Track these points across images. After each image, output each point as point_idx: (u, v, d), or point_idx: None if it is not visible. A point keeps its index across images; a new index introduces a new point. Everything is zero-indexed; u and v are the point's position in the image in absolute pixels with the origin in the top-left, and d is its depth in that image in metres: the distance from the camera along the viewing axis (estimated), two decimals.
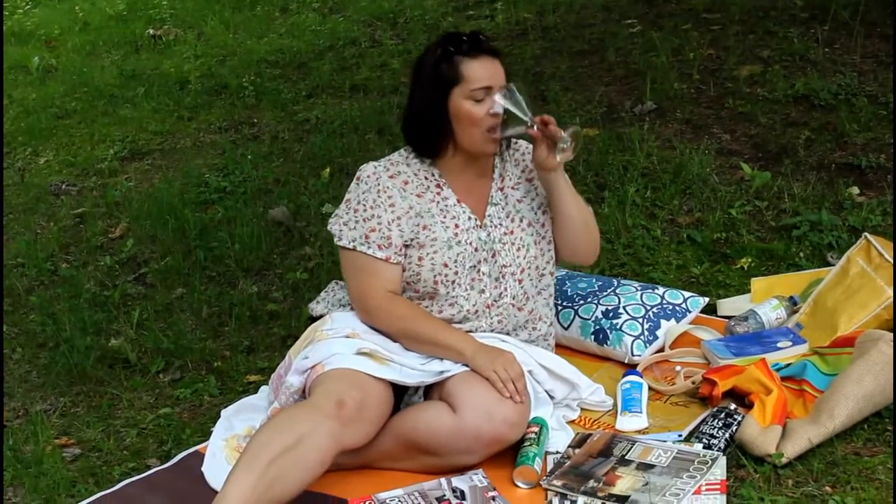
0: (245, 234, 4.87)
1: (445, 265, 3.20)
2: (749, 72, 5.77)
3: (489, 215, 3.29)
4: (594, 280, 3.84)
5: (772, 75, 5.67)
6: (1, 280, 4.73)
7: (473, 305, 3.24)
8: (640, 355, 3.57)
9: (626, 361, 3.58)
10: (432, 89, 3.17)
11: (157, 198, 5.41)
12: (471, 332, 3.25)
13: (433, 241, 3.20)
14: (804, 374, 3.27)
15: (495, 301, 3.27)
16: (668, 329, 3.65)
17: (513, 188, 3.35)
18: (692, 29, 6.50)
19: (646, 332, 3.60)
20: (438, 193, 3.26)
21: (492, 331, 3.28)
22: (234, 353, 4.03)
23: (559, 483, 2.94)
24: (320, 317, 3.37)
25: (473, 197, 3.30)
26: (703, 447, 3.00)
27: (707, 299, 3.81)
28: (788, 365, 3.36)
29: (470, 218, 3.26)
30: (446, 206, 3.25)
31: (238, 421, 3.37)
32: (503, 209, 3.32)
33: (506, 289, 3.27)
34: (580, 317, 3.67)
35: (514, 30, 7.24)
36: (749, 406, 3.13)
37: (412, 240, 3.21)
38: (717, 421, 3.09)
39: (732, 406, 3.14)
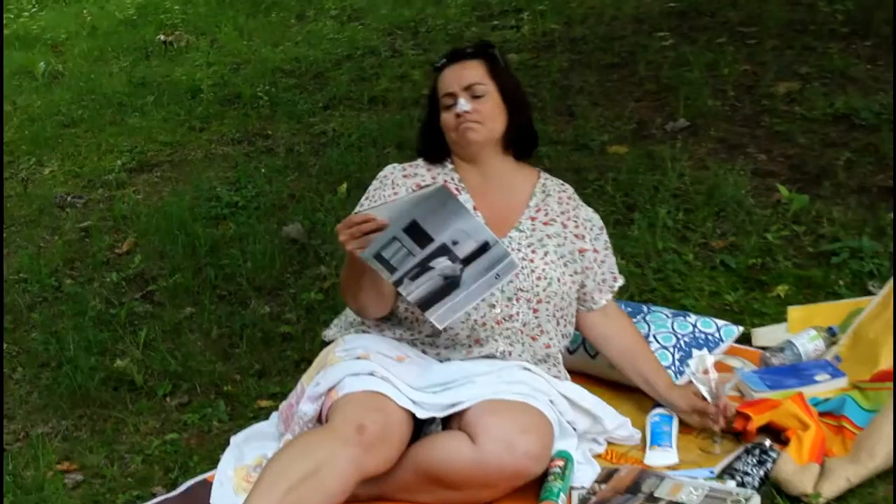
0: (258, 251, 4.85)
1: None
2: (786, 89, 5.77)
3: (510, 237, 3.24)
4: (623, 306, 3.75)
5: (810, 93, 5.67)
6: (1, 296, 4.73)
7: (482, 317, 3.16)
8: None
9: None
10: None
11: (167, 212, 5.42)
12: (491, 356, 3.19)
13: None
14: (843, 409, 3.23)
15: (505, 320, 3.19)
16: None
17: (545, 223, 3.31)
18: (727, 43, 6.55)
19: (677, 362, 3.54)
20: (457, 195, 3.18)
21: (508, 353, 3.21)
22: (244, 377, 3.99)
23: None
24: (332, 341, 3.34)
25: (495, 213, 3.27)
26: (737, 485, 2.95)
27: (741, 328, 3.76)
28: (827, 399, 3.31)
29: None
30: None
31: (248, 449, 3.33)
32: (527, 238, 3.27)
33: (518, 312, 3.19)
34: None
35: (541, 41, 7.29)
36: (785, 442, 3.08)
37: None
38: (751, 457, 3.03)
39: (767, 442, 3.08)
